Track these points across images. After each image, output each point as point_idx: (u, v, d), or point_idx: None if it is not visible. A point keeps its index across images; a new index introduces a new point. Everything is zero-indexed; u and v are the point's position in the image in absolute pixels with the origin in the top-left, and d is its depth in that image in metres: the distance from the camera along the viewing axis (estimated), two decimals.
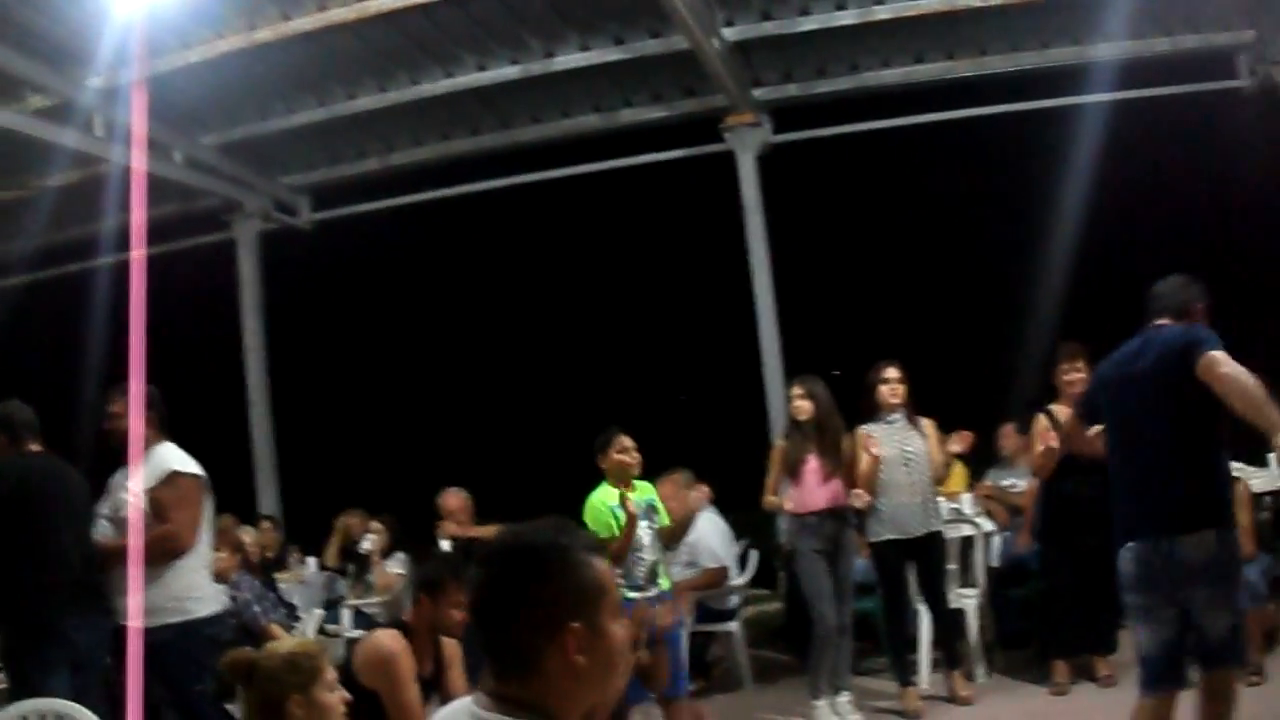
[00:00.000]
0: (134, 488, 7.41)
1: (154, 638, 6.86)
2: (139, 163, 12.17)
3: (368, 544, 12.30)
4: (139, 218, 11.37)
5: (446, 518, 12.23)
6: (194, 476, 7.68)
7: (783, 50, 13.73)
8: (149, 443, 7.60)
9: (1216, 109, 14.98)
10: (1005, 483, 11.84)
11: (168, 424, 7.78)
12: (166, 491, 7.48)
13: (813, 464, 9.46)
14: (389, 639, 6.31)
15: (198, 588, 7.66)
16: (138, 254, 9.53)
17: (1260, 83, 13.61)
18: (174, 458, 7.64)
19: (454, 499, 12.32)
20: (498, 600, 2.83)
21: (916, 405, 9.94)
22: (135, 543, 7.26)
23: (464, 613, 6.48)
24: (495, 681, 2.83)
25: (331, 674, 4.58)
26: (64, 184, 14.12)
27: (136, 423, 7.38)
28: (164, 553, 7.39)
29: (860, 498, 9.47)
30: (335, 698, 4.54)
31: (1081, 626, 9.59)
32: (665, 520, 9.09)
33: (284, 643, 4.92)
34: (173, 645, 7.20)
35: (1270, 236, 15.00)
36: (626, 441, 8.76)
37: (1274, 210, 14.85)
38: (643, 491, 8.88)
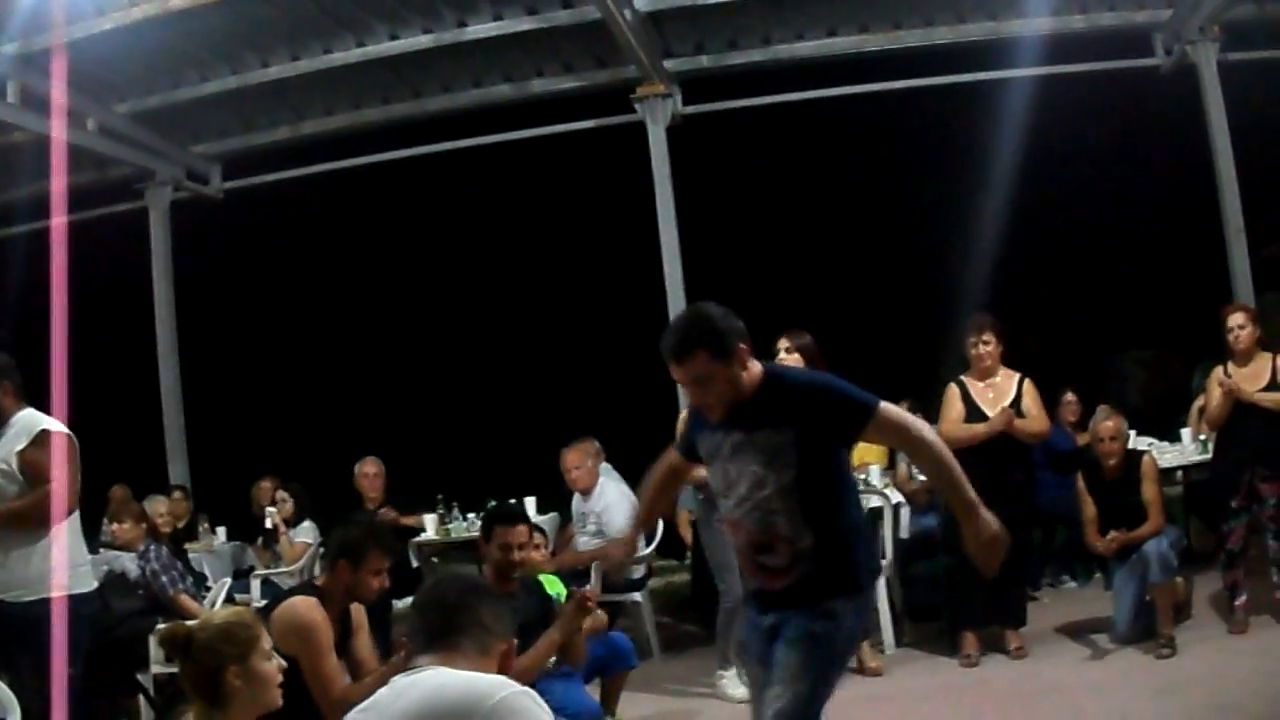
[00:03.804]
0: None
1: (26, 612, 6.74)
2: (58, 131, 12.09)
3: (273, 511, 12.31)
4: (58, 185, 11.31)
5: (365, 485, 12.33)
6: (66, 435, 7.14)
7: (695, 21, 13.76)
8: (9, 411, 7.16)
9: (1133, 87, 15.11)
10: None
11: (25, 392, 7.28)
12: (39, 452, 7.01)
13: None
14: (307, 607, 6.14)
15: (73, 561, 7.14)
16: (58, 221, 9.47)
17: (1175, 61, 13.76)
18: (41, 418, 7.17)
19: (372, 466, 12.53)
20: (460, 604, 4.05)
21: None
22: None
23: (382, 580, 6.46)
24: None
25: (268, 642, 4.53)
26: None
27: (59, 386, 7.15)
28: (45, 516, 6.93)
29: None
30: (272, 666, 4.49)
31: (990, 599, 9.52)
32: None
33: (219, 613, 4.84)
34: (45, 622, 6.78)
35: (1182, 209, 15.14)
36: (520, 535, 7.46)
37: (1187, 185, 15.01)
38: (550, 585, 8.37)
